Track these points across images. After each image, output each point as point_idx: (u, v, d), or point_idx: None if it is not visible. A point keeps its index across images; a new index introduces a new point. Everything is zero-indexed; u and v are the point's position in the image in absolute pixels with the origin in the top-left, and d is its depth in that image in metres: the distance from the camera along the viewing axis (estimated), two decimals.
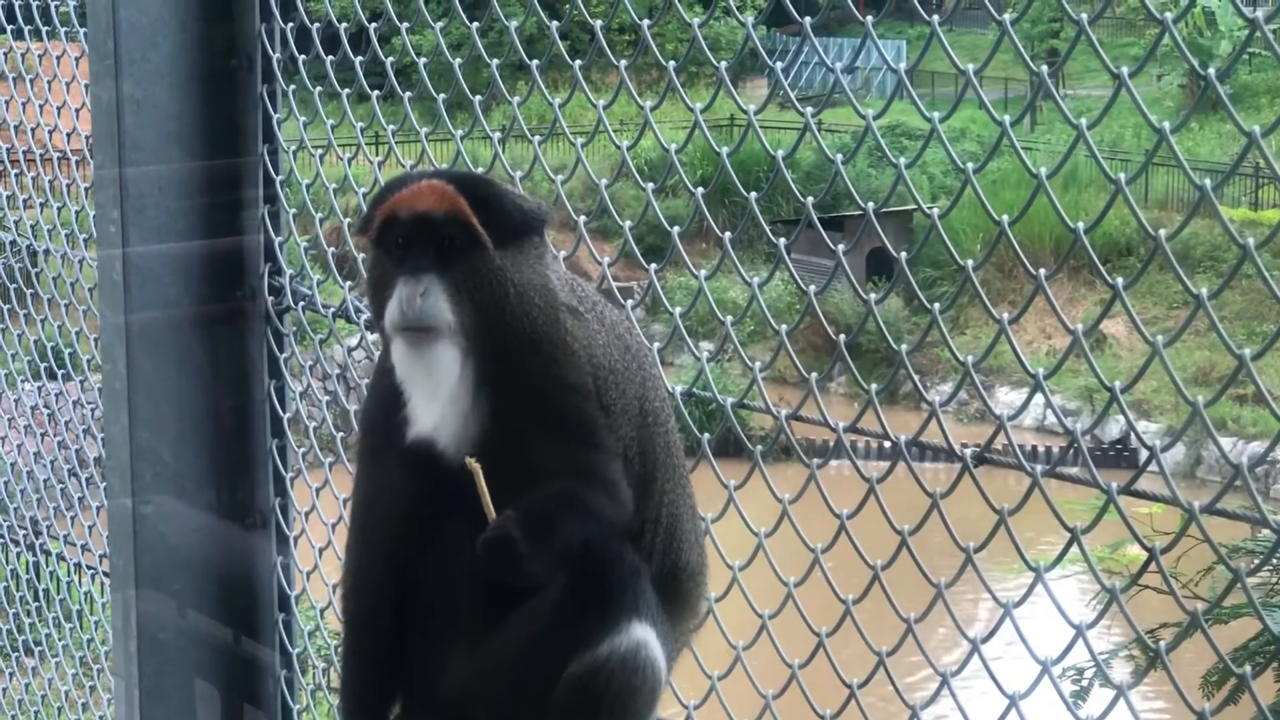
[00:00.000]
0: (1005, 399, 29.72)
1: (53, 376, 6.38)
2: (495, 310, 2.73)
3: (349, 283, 4.00)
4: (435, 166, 3.74)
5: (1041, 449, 28.73)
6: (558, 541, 2.71)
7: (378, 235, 2.76)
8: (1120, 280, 2.46)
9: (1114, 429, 29.75)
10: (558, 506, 2.75)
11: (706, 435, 3.24)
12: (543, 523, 2.71)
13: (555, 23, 3.40)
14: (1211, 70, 2.29)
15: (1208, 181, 2.31)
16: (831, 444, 3.12)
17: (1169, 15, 2.36)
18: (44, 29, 5.62)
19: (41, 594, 6.71)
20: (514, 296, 2.74)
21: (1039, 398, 2.94)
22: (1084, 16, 2.43)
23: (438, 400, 2.73)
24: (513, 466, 2.75)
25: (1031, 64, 2.66)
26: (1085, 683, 8.09)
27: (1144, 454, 2.48)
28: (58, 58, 5.63)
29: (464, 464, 2.71)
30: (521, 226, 2.78)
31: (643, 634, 2.76)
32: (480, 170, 3.54)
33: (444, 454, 2.76)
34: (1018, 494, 2.72)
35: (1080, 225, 2.52)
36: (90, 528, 5.98)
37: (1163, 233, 2.40)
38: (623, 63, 3.27)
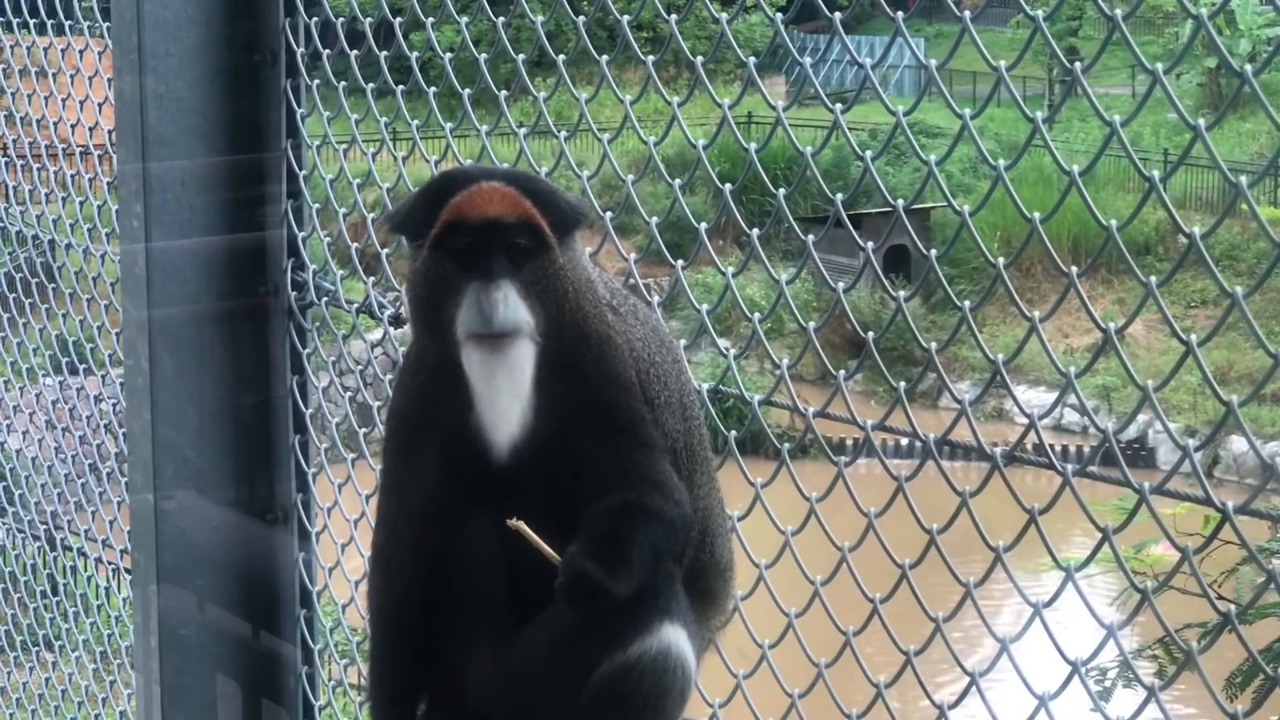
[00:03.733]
0: (1022, 397, 29.66)
1: (73, 371, 6.38)
2: (558, 309, 2.72)
3: (371, 278, 3.99)
4: (461, 163, 3.72)
5: (1059, 447, 28.70)
6: (633, 558, 2.69)
7: (439, 238, 2.71)
8: (1154, 279, 2.45)
9: (1131, 428, 29.68)
10: (620, 522, 2.72)
11: (733, 433, 3.22)
12: (613, 545, 2.68)
13: (581, 18, 3.39)
14: (1248, 67, 2.27)
15: (1244, 179, 2.29)
16: (850, 441, 3.09)
17: (1204, 11, 2.34)
18: (66, 24, 5.61)
19: (61, 588, 6.71)
20: (572, 294, 2.73)
21: (1056, 397, 2.92)
22: (1118, 12, 2.41)
23: (518, 401, 2.70)
24: (562, 466, 2.74)
25: (1066, 61, 2.64)
26: (1109, 683, 8.05)
27: (1161, 452, 2.46)
28: (80, 52, 5.63)
29: (507, 524, 2.69)
30: (573, 223, 2.77)
31: (673, 635, 2.74)
32: (506, 166, 3.53)
33: (490, 451, 2.74)
34: (1037, 492, 2.71)
35: (1113, 224, 2.50)
36: (111, 523, 5.98)
37: (1196, 231, 2.38)
38: (650, 59, 3.25)
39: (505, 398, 2.70)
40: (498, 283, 2.67)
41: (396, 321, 3.91)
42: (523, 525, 2.70)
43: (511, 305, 2.66)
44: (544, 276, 2.70)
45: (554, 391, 2.73)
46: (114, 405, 6.00)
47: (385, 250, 3.93)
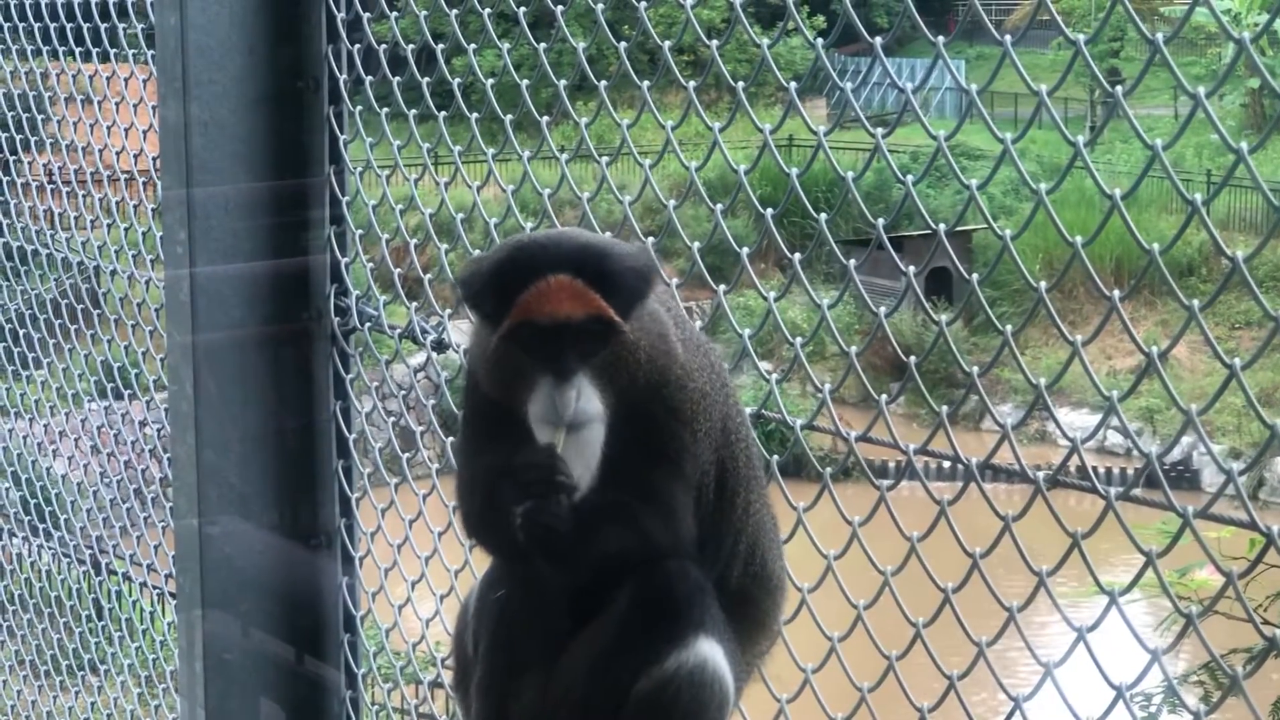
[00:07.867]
0: (1066, 419, 29.51)
1: (118, 396, 6.42)
2: (632, 380, 2.71)
3: (414, 303, 4.00)
4: (504, 189, 3.73)
5: (1104, 469, 28.55)
6: (602, 536, 2.71)
7: (510, 333, 2.68)
8: (1196, 302, 2.44)
9: (1175, 450, 29.51)
10: (616, 511, 2.74)
11: (776, 456, 3.22)
12: (595, 515, 2.69)
13: (622, 43, 3.40)
14: None
15: None
16: (892, 465, 3.08)
17: (1246, 34, 2.33)
18: (111, 52, 5.65)
19: (106, 612, 6.74)
20: (646, 361, 2.72)
21: (1098, 419, 2.91)
22: (1159, 36, 2.41)
23: (587, 470, 2.68)
24: (606, 489, 2.73)
25: (1107, 85, 2.64)
26: (1154, 708, 8.01)
27: (1206, 474, 2.45)
28: (125, 80, 5.67)
29: None
30: (641, 292, 2.73)
31: (709, 649, 2.74)
32: (547, 191, 3.54)
33: None
34: (1080, 514, 2.70)
35: (1155, 247, 2.49)
36: (156, 547, 6.01)
37: (1239, 254, 2.37)
38: (691, 83, 3.26)
39: (575, 468, 2.68)
40: (569, 380, 2.65)
41: (439, 346, 3.92)
42: None
43: (584, 399, 2.65)
44: (616, 359, 2.69)
45: (620, 431, 2.72)
46: (158, 430, 6.02)
47: (428, 276, 3.94)
